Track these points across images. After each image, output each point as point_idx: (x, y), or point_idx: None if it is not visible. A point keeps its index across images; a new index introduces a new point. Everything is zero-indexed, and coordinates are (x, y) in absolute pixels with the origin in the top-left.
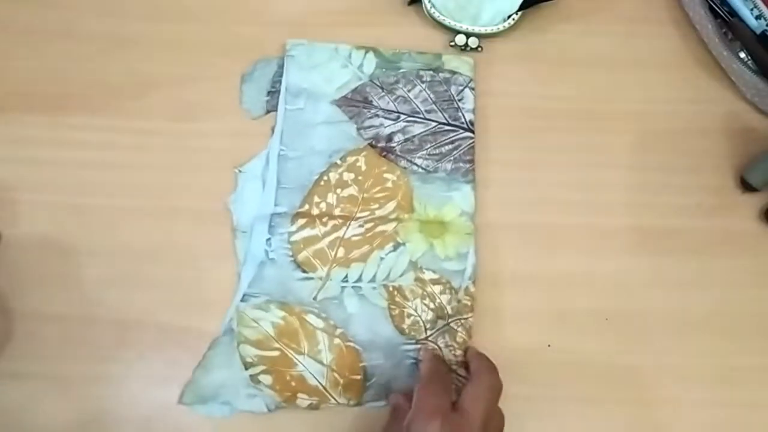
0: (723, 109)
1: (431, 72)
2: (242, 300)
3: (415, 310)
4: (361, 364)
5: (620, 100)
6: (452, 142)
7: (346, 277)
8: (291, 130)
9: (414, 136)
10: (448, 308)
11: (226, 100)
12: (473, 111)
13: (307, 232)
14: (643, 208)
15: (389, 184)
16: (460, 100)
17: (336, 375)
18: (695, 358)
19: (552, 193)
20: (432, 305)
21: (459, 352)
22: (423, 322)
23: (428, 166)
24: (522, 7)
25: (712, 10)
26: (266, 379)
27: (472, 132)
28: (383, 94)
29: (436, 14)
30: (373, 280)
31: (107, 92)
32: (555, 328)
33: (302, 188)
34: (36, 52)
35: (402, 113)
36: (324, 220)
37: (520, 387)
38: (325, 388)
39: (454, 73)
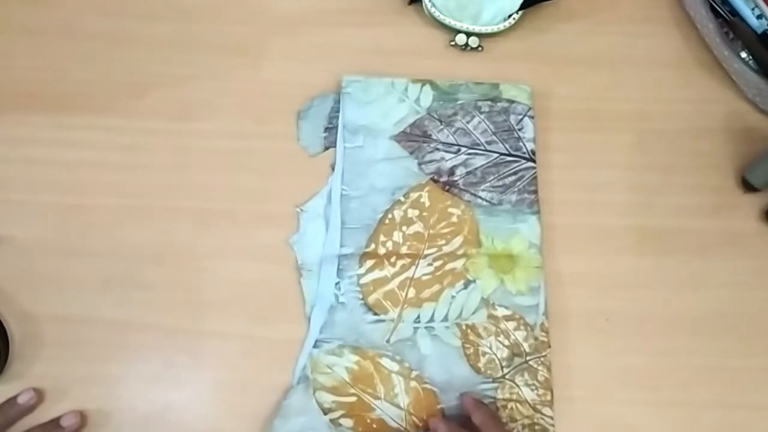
0: (724, 109)
1: (489, 102)
2: (315, 346)
3: (490, 348)
4: (438, 406)
5: (621, 100)
6: (515, 173)
7: (418, 317)
8: (351, 168)
9: (476, 169)
10: (525, 345)
11: (226, 100)
12: (534, 140)
13: (376, 274)
14: (644, 208)
15: (454, 219)
16: (520, 130)
17: (414, 419)
18: (695, 358)
19: (552, 192)
20: (507, 342)
21: (542, 391)
22: (498, 360)
23: (492, 199)
24: (523, 7)
25: (713, 9)
26: (347, 422)
27: (534, 162)
28: (442, 127)
29: (437, 14)
30: (445, 319)
31: (107, 92)
32: (555, 329)
33: (367, 228)
34: (36, 52)
35: (462, 146)
36: (392, 259)
37: None
38: (406, 431)
39: (512, 102)
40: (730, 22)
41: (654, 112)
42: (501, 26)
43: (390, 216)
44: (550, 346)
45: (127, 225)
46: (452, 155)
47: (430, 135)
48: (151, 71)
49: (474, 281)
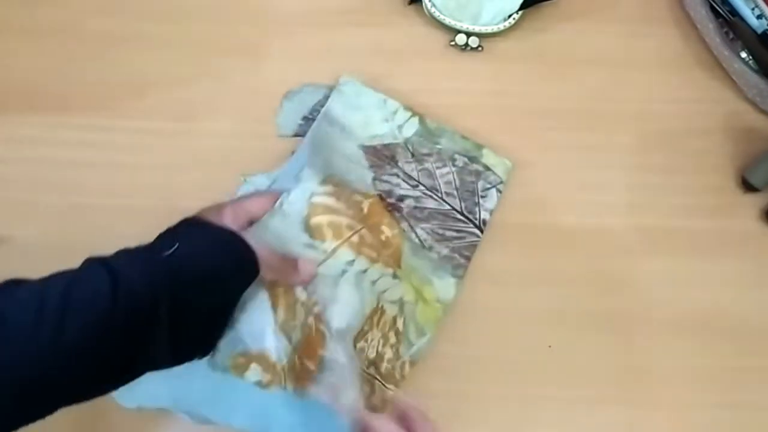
0: (724, 109)
1: (466, 159)
2: None
3: (371, 340)
4: (320, 352)
5: (621, 100)
6: (458, 232)
7: (353, 262)
8: (316, 139)
9: (425, 208)
10: (384, 365)
11: (226, 100)
12: (491, 212)
13: (331, 201)
14: (644, 208)
15: (383, 237)
16: (483, 197)
17: (297, 358)
18: (696, 358)
19: (552, 192)
20: (378, 348)
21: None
22: (367, 354)
23: (426, 241)
24: (523, 7)
25: (713, 9)
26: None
27: (481, 232)
28: (412, 161)
29: (437, 13)
30: (374, 283)
31: (107, 92)
32: (556, 329)
33: (325, 169)
34: (36, 52)
35: (422, 184)
36: (344, 208)
37: (521, 387)
38: (283, 369)
39: (488, 169)
40: (730, 22)
41: (654, 112)
42: (501, 26)
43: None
44: (397, 387)
45: (126, 225)
46: (408, 188)
47: (397, 162)
48: (151, 71)
49: (400, 280)
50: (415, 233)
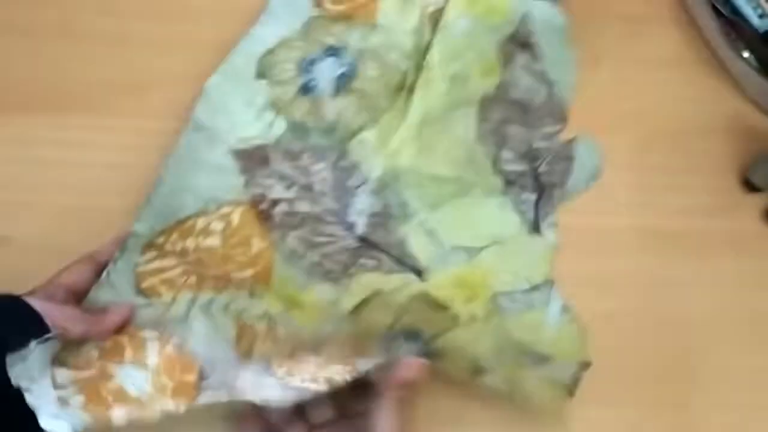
0: (726, 109)
1: (338, 154)
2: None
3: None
4: (197, 364)
5: (621, 100)
6: (330, 236)
7: (195, 298)
8: (180, 157)
9: (297, 213)
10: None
11: None
12: (364, 214)
13: (155, 264)
14: (644, 208)
15: (253, 252)
16: (352, 197)
17: (164, 378)
18: (696, 359)
19: None
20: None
21: None
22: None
23: (296, 251)
24: None
25: (714, 9)
26: (77, 400)
27: (354, 235)
28: (285, 160)
29: None
30: (226, 308)
31: (107, 92)
32: None
33: (166, 218)
34: (36, 52)
35: (297, 183)
36: (175, 260)
37: None
38: (149, 395)
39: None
40: (732, 22)
41: (654, 112)
42: None
43: (191, 222)
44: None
45: (127, 225)
46: (283, 189)
47: (270, 163)
48: (151, 71)
49: (259, 296)
50: (286, 243)
